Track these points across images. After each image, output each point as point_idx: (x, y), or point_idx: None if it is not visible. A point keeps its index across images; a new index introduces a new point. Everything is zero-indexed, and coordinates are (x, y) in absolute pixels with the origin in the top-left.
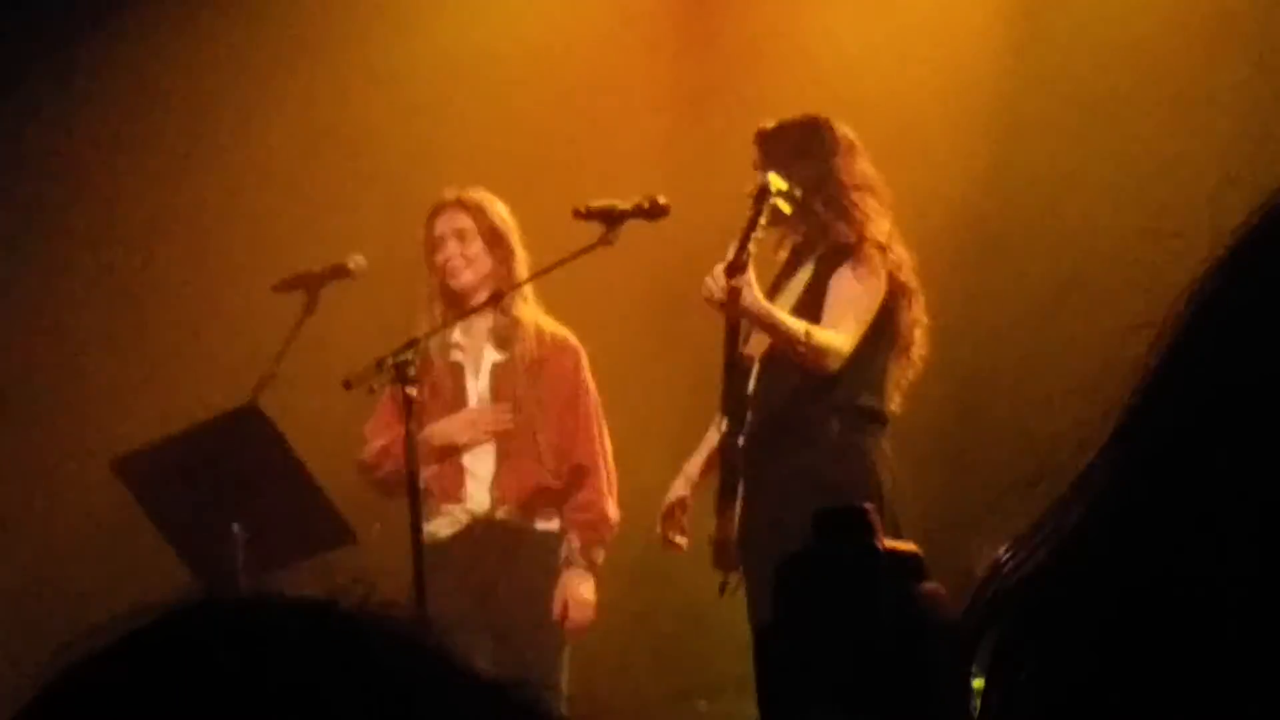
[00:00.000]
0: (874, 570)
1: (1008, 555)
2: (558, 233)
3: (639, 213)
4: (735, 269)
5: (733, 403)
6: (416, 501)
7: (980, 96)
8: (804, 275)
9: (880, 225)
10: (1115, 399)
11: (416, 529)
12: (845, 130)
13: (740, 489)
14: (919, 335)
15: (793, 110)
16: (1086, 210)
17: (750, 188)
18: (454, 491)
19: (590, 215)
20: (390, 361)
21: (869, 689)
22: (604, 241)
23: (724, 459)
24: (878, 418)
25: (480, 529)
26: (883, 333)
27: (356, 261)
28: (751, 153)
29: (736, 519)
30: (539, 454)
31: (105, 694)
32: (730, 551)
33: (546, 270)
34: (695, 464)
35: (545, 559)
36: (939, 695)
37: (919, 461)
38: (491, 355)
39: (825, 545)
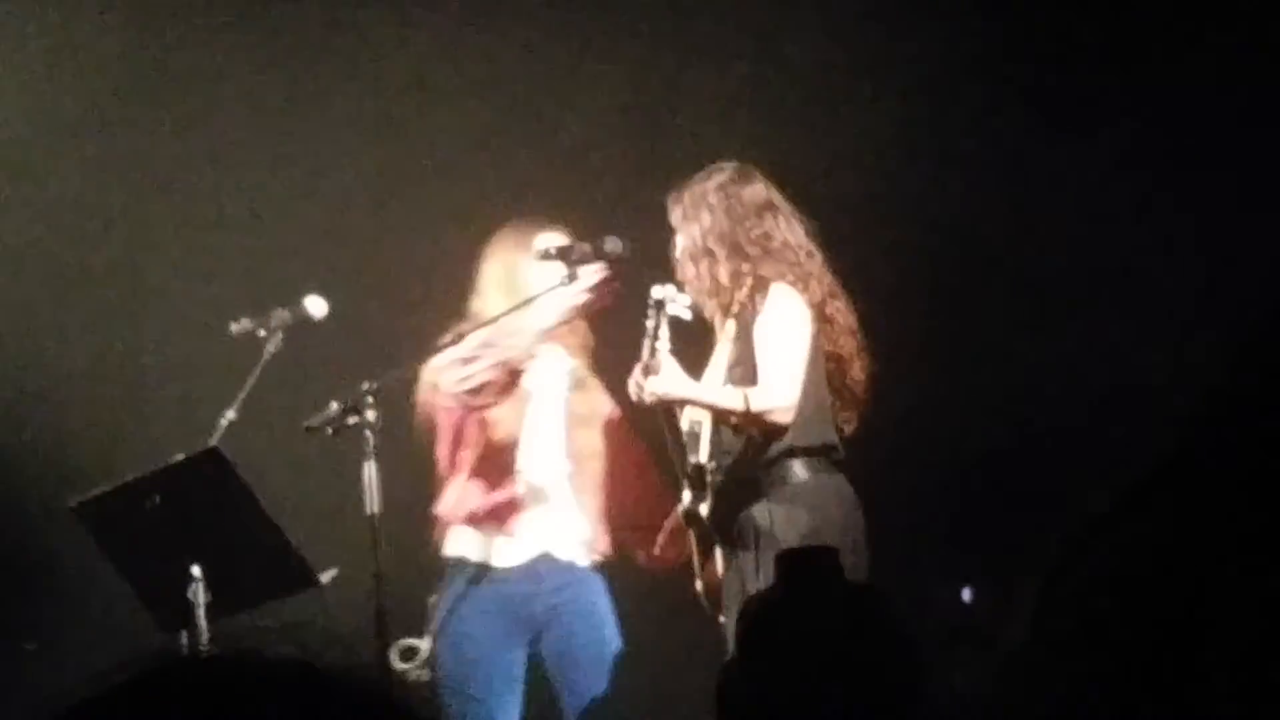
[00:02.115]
0: (841, 609)
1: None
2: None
3: (599, 255)
4: (648, 371)
5: (691, 474)
6: (378, 545)
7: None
8: (731, 330)
9: (789, 268)
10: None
11: (378, 578)
12: (756, 186)
13: (716, 549)
14: (856, 362)
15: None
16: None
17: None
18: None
19: (551, 256)
20: (347, 405)
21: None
22: (566, 281)
23: (693, 529)
24: (833, 452)
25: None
26: (820, 368)
27: (316, 304)
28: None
29: (720, 570)
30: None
31: None
32: (719, 597)
33: (510, 311)
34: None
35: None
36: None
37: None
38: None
39: (791, 585)
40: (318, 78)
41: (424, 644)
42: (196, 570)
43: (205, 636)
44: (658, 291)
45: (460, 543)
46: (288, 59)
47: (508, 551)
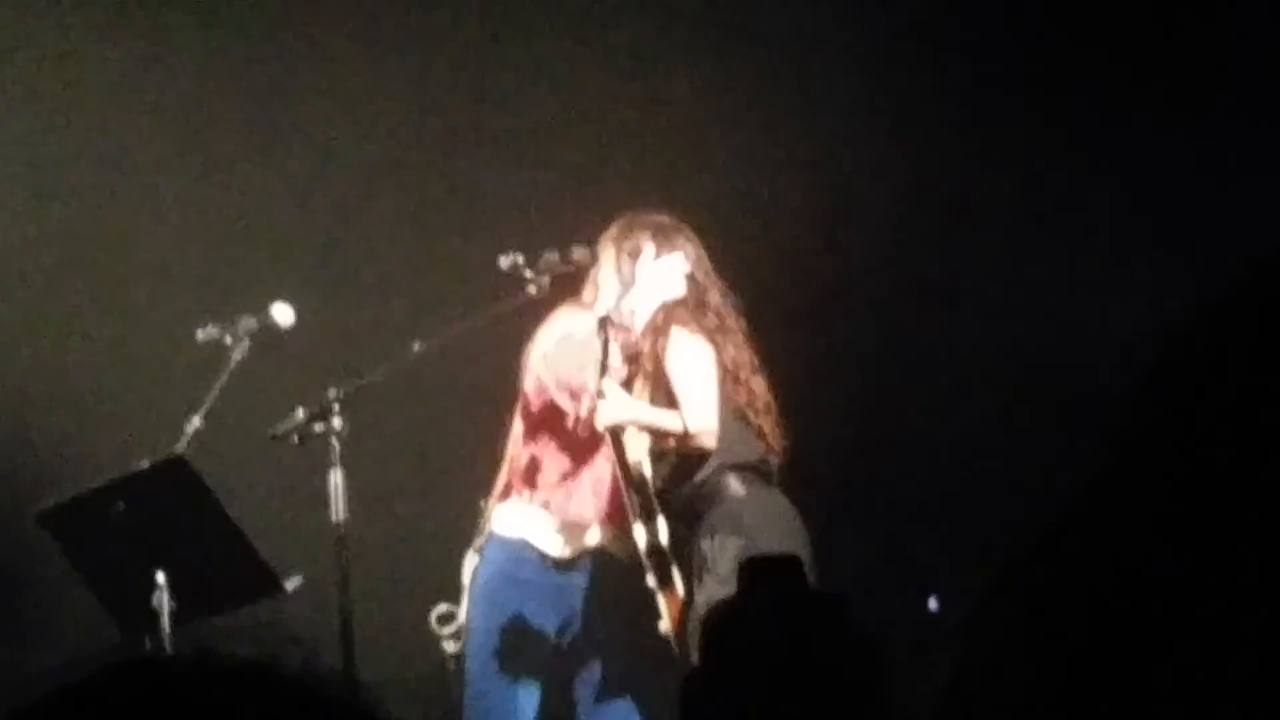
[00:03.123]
0: (805, 616)
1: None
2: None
3: (566, 262)
4: (601, 393)
5: (642, 506)
6: (343, 554)
7: None
8: (641, 374)
9: (697, 320)
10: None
11: (344, 585)
12: (683, 240)
13: (675, 575)
14: (754, 381)
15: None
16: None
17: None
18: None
19: (518, 267)
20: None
21: None
22: (530, 289)
23: (651, 560)
24: (763, 466)
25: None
26: (730, 394)
27: (283, 312)
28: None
29: (681, 605)
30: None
31: None
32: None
33: (477, 322)
34: None
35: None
36: None
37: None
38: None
39: (754, 593)
40: (284, 86)
41: (461, 612)
42: (161, 577)
43: (169, 644)
44: (600, 309)
45: (515, 520)
46: (254, 67)
47: (567, 543)
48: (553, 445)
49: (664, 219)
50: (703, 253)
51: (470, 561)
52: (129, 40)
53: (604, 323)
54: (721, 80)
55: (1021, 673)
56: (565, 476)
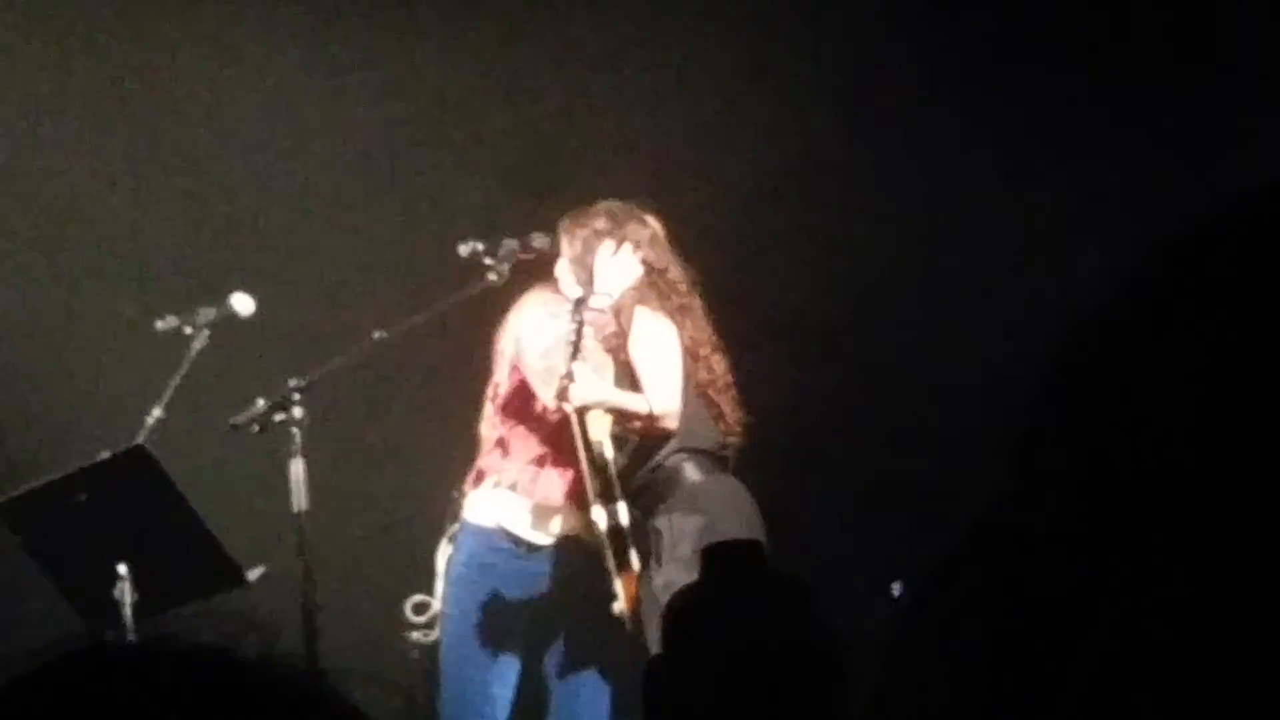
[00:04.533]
0: (767, 601)
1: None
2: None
3: (527, 249)
4: (571, 376)
5: (602, 487)
6: (305, 544)
7: None
8: (607, 355)
9: (662, 301)
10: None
11: (306, 575)
12: (646, 224)
13: (633, 556)
14: (714, 359)
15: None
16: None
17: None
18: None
19: (478, 254)
20: (274, 402)
21: (762, 715)
22: (490, 276)
23: (612, 545)
24: (720, 452)
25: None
26: (689, 367)
27: (243, 301)
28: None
29: (636, 584)
30: None
31: None
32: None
33: (437, 310)
34: None
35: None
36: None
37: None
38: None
39: (715, 579)
40: (244, 77)
41: (435, 602)
42: (123, 569)
43: (131, 635)
44: (574, 291)
45: (486, 506)
46: (217, 56)
47: (537, 526)
48: (521, 429)
49: (615, 204)
50: (659, 231)
51: (444, 550)
52: (91, 28)
53: (579, 305)
54: (676, 62)
55: (936, 695)
56: (534, 459)
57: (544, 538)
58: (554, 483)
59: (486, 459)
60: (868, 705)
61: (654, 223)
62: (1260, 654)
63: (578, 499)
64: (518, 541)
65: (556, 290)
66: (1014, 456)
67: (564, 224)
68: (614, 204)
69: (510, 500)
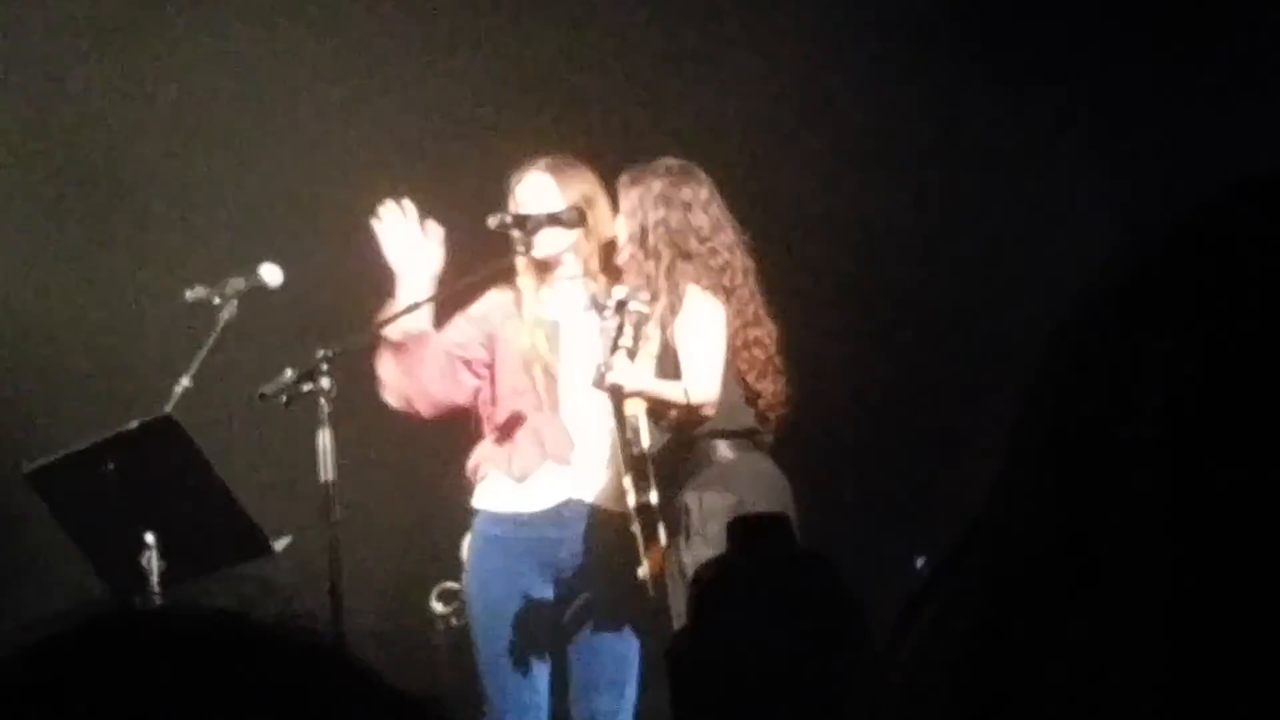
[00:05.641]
0: (794, 575)
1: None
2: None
3: (554, 221)
4: (610, 366)
5: (635, 465)
6: (332, 512)
7: None
8: (654, 326)
9: (712, 275)
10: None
11: (332, 545)
12: (701, 187)
13: (660, 530)
14: (759, 332)
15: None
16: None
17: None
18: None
19: (507, 225)
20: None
21: (786, 690)
22: (522, 249)
23: (642, 520)
24: (755, 435)
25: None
26: (738, 355)
27: (272, 272)
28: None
29: (662, 554)
30: None
31: (12, 700)
32: (664, 583)
33: (471, 281)
34: None
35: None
36: (854, 696)
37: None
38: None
39: (743, 552)
40: (273, 47)
41: (460, 588)
42: (150, 537)
43: (158, 604)
44: (619, 292)
45: (486, 489)
46: (247, 27)
47: (532, 496)
48: (509, 407)
49: (672, 162)
50: (713, 193)
51: (466, 539)
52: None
53: (620, 306)
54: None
55: (930, 678)
56: (515, 432)
57: (541, 506)
58: (530, 452)
59: (478, 439)
60: (876, 678)
61: (708, 182)
62: (1255, 650)
63: (566, 461)
64: (516, 515)
65: (545, 281)
66: (1006, 446)
67: (622, 180)
68: (673, 161)
69: (502, 480)
